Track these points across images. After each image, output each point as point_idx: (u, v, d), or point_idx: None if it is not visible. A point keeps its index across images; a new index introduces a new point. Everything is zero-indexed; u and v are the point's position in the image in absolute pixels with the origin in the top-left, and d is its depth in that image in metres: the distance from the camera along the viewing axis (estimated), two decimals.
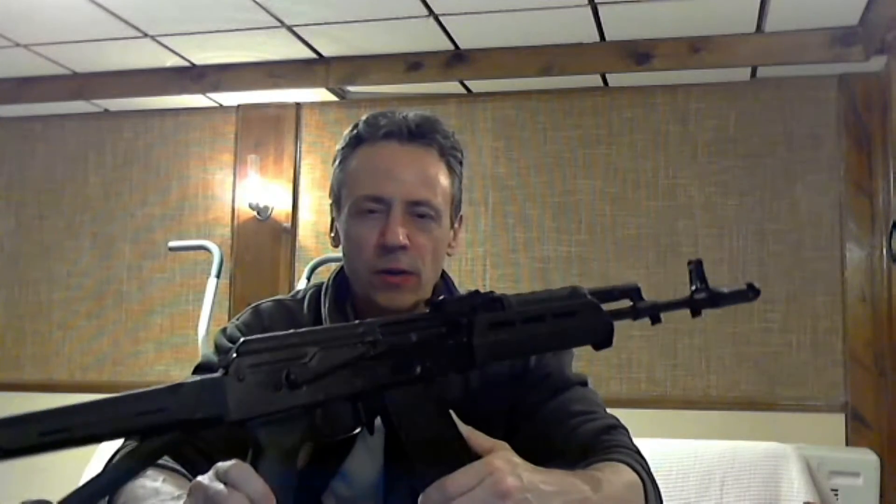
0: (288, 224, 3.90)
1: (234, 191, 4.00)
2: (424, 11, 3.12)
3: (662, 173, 3.61)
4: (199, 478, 0.79)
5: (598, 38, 3.35)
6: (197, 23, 3.28)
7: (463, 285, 1.27)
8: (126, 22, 3.27)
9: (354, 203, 1.12)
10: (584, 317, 0.94)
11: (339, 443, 1.07)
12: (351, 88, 3.84)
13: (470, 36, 3.38)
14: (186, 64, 3.73)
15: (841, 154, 3.43)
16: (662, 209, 3.58)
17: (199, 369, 1.15)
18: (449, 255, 1.19)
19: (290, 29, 3.33)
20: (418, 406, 0.86)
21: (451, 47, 3.49)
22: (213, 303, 3.38)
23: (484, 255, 3.73)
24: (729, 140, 3.55)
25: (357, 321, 0.91)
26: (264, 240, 3.92)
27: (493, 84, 3.67)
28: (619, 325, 0.95)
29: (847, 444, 3.28)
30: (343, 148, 1.17)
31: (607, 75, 3.57)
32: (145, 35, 3.41)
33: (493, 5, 3.06)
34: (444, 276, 1.21)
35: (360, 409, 0.87)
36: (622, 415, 1.14)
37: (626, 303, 0.98)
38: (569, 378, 1.16)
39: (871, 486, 2.95)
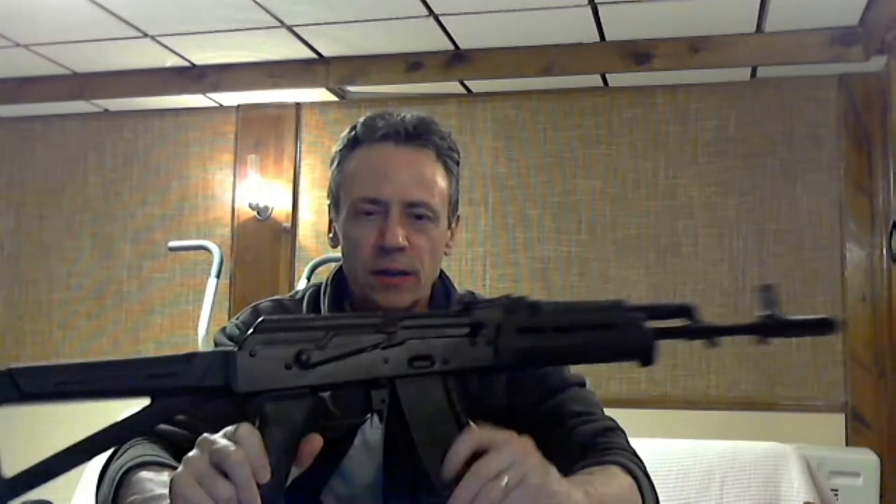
0: (288, 224, 3.91)
1: (234, 191, 4.00)
2: (424, 11, 3.12)
3: (662, 173, 3.61)
4: (207, 434, 0.80)
5: (598, 38, 3.35)
6: (197, 23, 3.28)
7: (463, 285, 1.28)
8: (126, 22, 3.27)
9: (352, 204, 1.13)
10: (623, 331, 0.90)
11: (339, 440, 1.08)
12: (351, 88, 3.84)
13: (470, 36, 3.38)
14: (186, 64, 3.73)
15: (841, 154, 3.43)
16: (662, 209, 3.58)
17: None
18: (446, 254, 1.19)
19: (289, 29, 3.33)
20: (431, 401, 0.85)
21: (451, 47, 3.49)
22: (213, 303, 3.39)
23: (484, 255, 3.73)
24: (729, 140, 3.55)
25: (380, 312, 0.90)
26: (264, 240, 3.92)
27: (493, 84, 3.67)
28: None
29: (847, 444, 3.28)
30: (341, 149, 1.18)
31: (607, 75, 3.57)
32: (145, 35, 3.41)
33: (493, 5, 3.06)
34: (442, 275, 1.22)
35: (372, 396, 0.86)
36: (622, 415, 1.15)
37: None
38: (567, 378, 1.16)
39: (871, 486, 2.95)
